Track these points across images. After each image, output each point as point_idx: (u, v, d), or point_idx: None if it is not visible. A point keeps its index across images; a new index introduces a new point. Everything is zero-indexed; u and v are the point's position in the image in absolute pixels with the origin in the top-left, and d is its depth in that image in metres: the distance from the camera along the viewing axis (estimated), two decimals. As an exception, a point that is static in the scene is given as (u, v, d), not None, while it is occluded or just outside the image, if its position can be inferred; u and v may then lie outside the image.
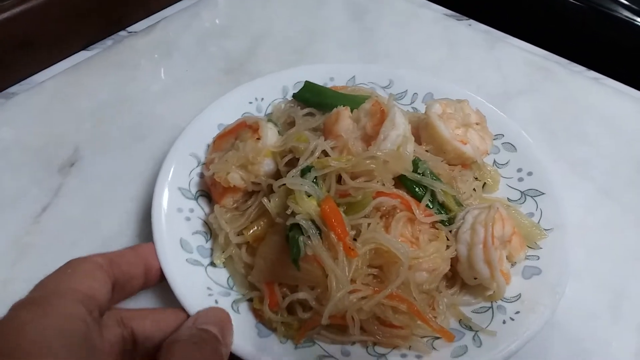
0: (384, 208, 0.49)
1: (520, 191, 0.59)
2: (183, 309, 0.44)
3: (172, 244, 0.51)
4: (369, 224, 0.48)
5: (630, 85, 0.77)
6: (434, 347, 0.47)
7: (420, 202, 0.50)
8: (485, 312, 0.50)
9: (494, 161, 0.63)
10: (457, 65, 0.79)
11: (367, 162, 0.48)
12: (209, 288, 0.49)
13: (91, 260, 0.37)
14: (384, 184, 0.49)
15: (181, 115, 0.65)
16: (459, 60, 0.81)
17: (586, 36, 0.88)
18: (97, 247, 0.54)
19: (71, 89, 0.72)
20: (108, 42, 0.79)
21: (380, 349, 0.47)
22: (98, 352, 0.31)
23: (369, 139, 0.51)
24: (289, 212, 0.47)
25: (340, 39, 0.83)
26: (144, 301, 0.50)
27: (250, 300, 0.49)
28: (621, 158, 0.68)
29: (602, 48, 0.86)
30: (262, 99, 0.67)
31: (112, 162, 0.64)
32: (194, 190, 0.58)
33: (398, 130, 0.50)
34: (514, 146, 0.63)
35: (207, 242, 0.54)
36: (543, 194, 0.58)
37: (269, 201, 0.50)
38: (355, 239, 0.47)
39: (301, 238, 0.46)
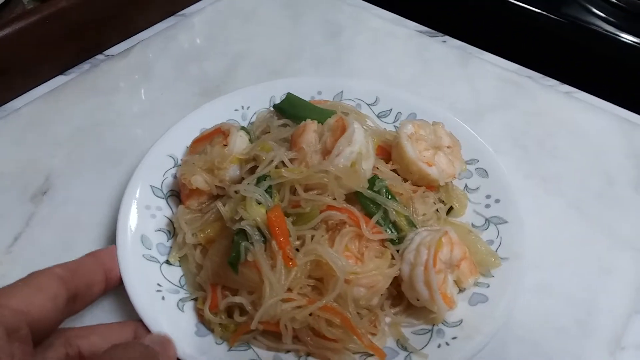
0: (331, 222, 0.50)
1: (485, 217, 0.59)
2: (128, 323, 0.46)
3: (133, 238, 0.54)
4: (312, 236, 0.49)
5: (606, 98, 0.77)
6: (365, 364, 0.47)
7: (371, 219, 0.51)
8: (424, 334, 0.50)
9: (466, 185, 0.63)
10: (430, 82, 0.80)
11: (319, 175, 0.49)
12: (159, 284, 0.51)
13: (51, 272, 0.39)
14: (335, 199, 0.50)
15: (157, 137, 0.63)
16: (432, 76, 0.81)
17: (563, 49, 0.87)
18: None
19: (47, 114, 0.72)
20: (85, 66, 0.79)
21: (311, 360, 0.48)
22: None
23: (327, 153, 0.52)
24: (237, 217, 0.49)
25: (316, 57, 0.84)
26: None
27: (195, 299, 0.51)
28: (592, 172, 0.68)
29: (578, 61, 0.86)
30: (249, 107, 0.70)
31: (85, 189, 0.63)
32: (165, 189, 0.60)
33: (353, 147, 0.51)
34: (486, 172, 0.62)
35: (168, 240, 0.56)
36: (506, 222, 0.58)
37: (224, 205, 0.52)
38: (298, 250, 0.48)
39: (243, 243, 0.47)
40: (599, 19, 0.84)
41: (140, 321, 0.46)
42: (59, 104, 0.74)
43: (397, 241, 0.51)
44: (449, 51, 0.85)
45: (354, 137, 0.51)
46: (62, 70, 0.78)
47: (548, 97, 0.78)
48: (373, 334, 0.50)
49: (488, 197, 0.61)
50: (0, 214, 0.61)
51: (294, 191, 0.51)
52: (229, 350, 0.47)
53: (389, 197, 0.52)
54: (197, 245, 0.54)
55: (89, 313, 0.50)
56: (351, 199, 0.52)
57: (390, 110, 0.71)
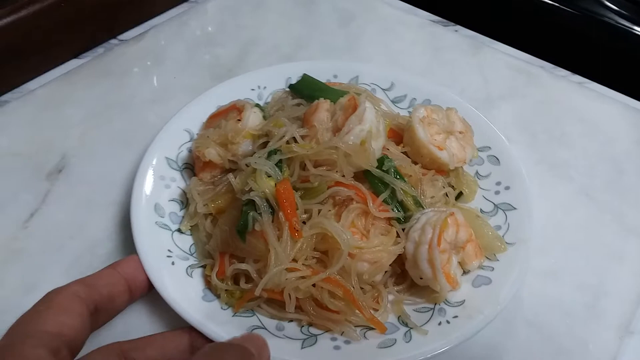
0: (339, 197, 0.51)
1: (494, 204, 0.59)
2: (182, 332, 0.45)
3: (147, 205, 0.55)
4: (319, 210, 0.50)
5: (618, 89, 0.77)
6: (365, 337, 0.48)
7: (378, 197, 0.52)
8: (426, 312, 0.50)
9: (477, 172, 0.63)
10: (441, 70, 0.80)
11: (329, 151, 0.50)
12: (169, 250, 0.53)
13: (68, 291, 0.39)
14: (343, 175, 0.51)
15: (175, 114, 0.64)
16: (443, 65, 0.81)
17: (574, 40, 0.87)
18: (84, 252, 0.56)
19: (62, 96, 0.73)
20: (99, 50, 0.80)
21: (313, 330, 0.49)
22: None
23: (338, 130, 0.53)
24: (247, 188, 0.50)
25: (328, 45, 0.85)
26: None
27: (204, 266, 0.52)
28: (601, 159, 0.68)
29: (590, 52, 0.85)
30: (265, 87, 0.71)
31: (100, 168, 0.64)
32: (180, 162, 0.62)
33: (364, 125, 0.51)
34: (498, 160, 0.63)
35: (180, 210, 0.58)
36: (515, 209, 0.58)
37: (235, 177, 0.53)
38: (305, 223, 0.49)
39: (252, 213, 0.48)
40: (611, 12, 0.84)
41: (194, 330, 0.45)
42: (73, 86, 0.75)
43: (403, 220, 0.52)
44: (461, 40, 0.86)
45: (364, 116, 0.52)
46: (76, 54, 0.79)
47: (559, 87, 0.78)
48: (375, 309, 0.51)
49: (498, 184, 0.61)
50: (17, 191, 0.62)
51: (303, 166, 0.52)
52: (233, 315, 0.49)
53: (397, 177, 0.53)
54: (208, 215, 0.55)
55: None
56: (360, 177, 0.53)
57: (405, 95, 0.71)
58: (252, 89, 0.70)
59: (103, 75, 0.76)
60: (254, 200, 0.49)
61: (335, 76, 0.72)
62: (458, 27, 0.88)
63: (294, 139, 0.53)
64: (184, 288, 0.50)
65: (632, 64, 0.83)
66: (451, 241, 0.50)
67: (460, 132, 0.62)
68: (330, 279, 0.47)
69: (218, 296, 0.50)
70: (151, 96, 0.75)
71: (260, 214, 0.49)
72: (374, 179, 0.53)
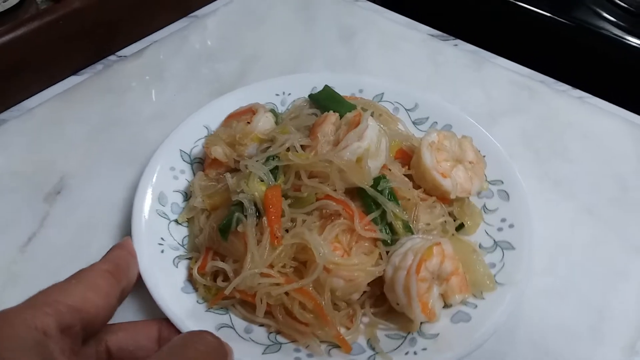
0: (326, 211, 0.51)
1: (495, 240, 0.57)
2: (152, 321, 0.44)
3: (151, 192, 0.58)
4: (304, 220, 0.50)
5: (618, 103, 0.77)
6: (329, 354, 0.48)
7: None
8: (397, 339, 0.50)
9: (484, 205, 0.61)
10: (443, 85, 0.80)
11: (322, 164, 0.51)
12: (162, 239, 0.55)
13: (99, 269, 0.39)
14: (335, 190, 0.51)
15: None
16: (445, 80, 0.81)
17: (574, 54, 0.88)
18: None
19: (61, 115, 0.72)
20: (98, 66, 0.79)
21: (280, 338, 0.49)
22: None
23: (337, 144, 0.53)
24: (238, 190, 0.51)
25: (329, 60, 0.84)
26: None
27: (190, 259, 0.54)
28: (604, 176, 0.67)
29: (590, 66, 0.86)
30: (289, 94, 0.72)
31: (99, 189, 0.63)
32: (193, 156, 0.64)
33: (362, 142, 0.51)
34: (508, 195, 0.60)
35: (183, 202, 0.60)
36: (514, 249, 0.56)
37: (232, 178, 0.54)
38: (288, 231, 0.50)
39: (237, 214, 0.50)
40: (608, 23, 0.84)
41: (164, 321, 0.45)
42: (72, 104, 0.74)
43: (390, 243, 0.51)
44: (461, 55, 0.85)
45: (365, 133, 0.52)
46: (75, 71, 0.78)
47: (561, 102, 0.77)
48: (348, 328, 0.50)
49: (503, 220, 0.59)
50: (15, 214, 0.60)
51: (299, 176, 0.53)
52: (206, 310, 0.50)
53: (391, 198, 0.52)
54: (204, 210, 0.57)
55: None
56: (354, 194, 0.53)
57: (427, 118, 0.70)
58: (277, 94, 0.72)
59: (102, 93, 0.76)
60: (242, 202, 0.50)
61: (360, 90, 0.73)
62: (458, 41, 0.87)
63: (295, 147, 0.54)
64: (166, 276, 0.51)
65: (630, 76, 0.83)
66: (434, 271, 0.49)
67: (470, 162, 0.60)
68: (302, 290, 0.48)
69: (196, 289, 0.51)
70: (151, 113, 0.74)
71: (246, 216, 0.50)
72: (367, 198, 0.52)
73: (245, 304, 0.50)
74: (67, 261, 0.56)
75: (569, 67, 0.82)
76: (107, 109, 0.74)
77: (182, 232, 0.58)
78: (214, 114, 0.67)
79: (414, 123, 0.70)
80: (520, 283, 0.52)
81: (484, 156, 0.64)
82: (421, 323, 0.50)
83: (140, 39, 0.85)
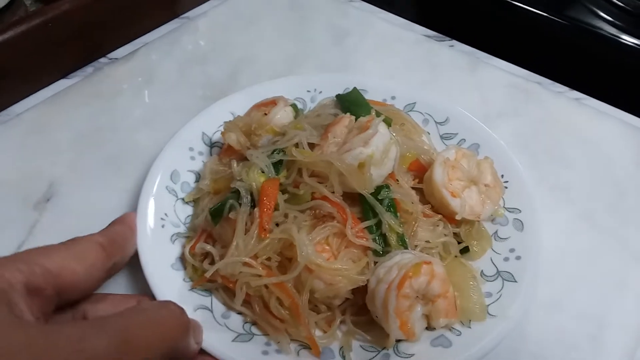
0: (319, 211, 0.50)
1: (498, 270, 0.55)
2: (132, 295, 0.47)
3: (165, 168, 0.60)
4: (295, 217, 0.50)
5: (614, 104, 0.76)
6: (298, 354, 0.48)
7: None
8: (370, 352, 0.49)
9: (496, 232, 0.58)
10: (438, 87, 0.78)
11: (322, 164, 0.50)
12: (166, 214, 0.57)
13: (92, 240, 0.40)
14: (333, 192, 0.51)
15: (162, 144, 0.61)
16: (441, 82, 0.79)
17: (570, 54, 0.86)
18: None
19: (49, 120, 0.70)
20: (88, 69, 0.78)
21: (254, 330, 0.49)
22: (15, 317, 0.32)
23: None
24: (238, 177, 0.52)
25: (322, 61, 0.83)
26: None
27: (187, 238, 0.56)
28: (602, 182, 0.66)
29: (587, 66, 0.84)
30: (321, 92, 0.72)
31: (89, 196, 0.62)
32: (214, 140, 0.66)
33: (367, 148, 0.50)
34: (523, 226, 0.57)
35: (194, 182, 0.62)
36: (515, 282, 0.53)
37: (237, 165, 0.55)
38: (278, 225, 0.50)
39: (231, 201, 0.50)
40: (605, 23, 0.82)
41: (145, 295, 0.47)
42: (61, 108, 0.72)
43: (381, 254, 0.50)
44: (457, 56, 0.83)
45: (371, 140, 0.51)
46: (64, 74, 0.76)
47: (558, 104, 0.76)
48: (325, 332, 0.50)
49: (512, 250, 0.56)
50: (3, 222, 0.59)
51: (302, 173, 0.53)
52: (189, 289, 0.51)
53: (390, 209, 0.51)
54: (210, 193, 0.58)
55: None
56: (356, 199, 0.52)
57: (456, 134, 0.68)
58: (308, 90, 0.72)
59: (92, 97, 0.74)
60: (239, 190, 0.51)
61: (393, 97, 0.71)
62: (454, 41, 0.85)
63: (302, 144, 0.54)
64: (160, 250, 0.53)
65: (627, 77, 0.81)
66: (419, 290, 0.48)
67: (486, 185, 0.57)
68: (281, 286, 0.48)
69: (185, 268, 0.53)
70: (142, 118, 0.73)
71: (240, 204, 0.50)
72: (366, 205, 0.51)
73: (227, 290, 0.51)
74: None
75: (566, 67, 0.81)
76: (97, 113, 0.72)
77: (187, 211, 0.59)
78: (242, 102, 0.68)
79: (441, 137, 0.68)
80: (512, 318, 0.49)
81: (506, 182, 0.61)
82: (399, 340, 0.49)
83: (131, 41, 0.83)
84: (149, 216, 0.55)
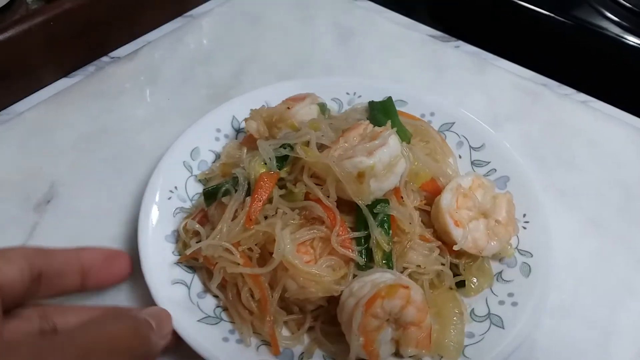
0: (309, 212, 0.50)
1: (489, 312, 0.51)
2: (102, 308, 0.46)
3: (186, 145, 0.62)
4: (285, 213, 0.50)
5: (621, 105, 0.75)
6: (257, 349, 0.48)
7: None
8: (330, 362, 0.48)
9: (500, 273, 0.55)
10: (445, 89, 0.77)
11: (320, 166, 0.50)
12: (175, 187, 0.59)
13: (19, 248, 0.40)
14: (329, 197, 0.50)
15: (164, 145, 0.61)
16: (447, 83, 0.78)
17: (575, 54, 0.85)
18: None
19: (51, 119, 0.69)
20: (90, 68, 0.76)
21: (223, 315, 0.50)
22: None
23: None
24: (242, 165, 0.53)
25: (327, 61, 0.81)
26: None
27: (189, 214, 0.57)
28: (610, 185, 0.66)
29: (593, 67, 0.83)
30: (360, 96, 0.71)
31: (90, 198, 0.61)
32: (243, 126, 0.67)
33: (369, 159, 0.49)
34: (530, 271, 0.53)
35: (211, 162, 0.63)
36: (502, 328, 0.49)
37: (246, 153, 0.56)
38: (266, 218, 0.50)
39: (227, 186, 0.51)
40: (612, 23, 0.81)
41: (112, 308, 0.47)
42: (63, 108, 0.71)
43: (363, 268, 0.49)
44: (463, 57, 0.82)
45: (377, 151, 0.49)
46: (66, 73, 0.75)
47: (565, 107, 0.75)
48: (292, 333, 0.50)
49: (510, 295, 0.52)
50: (3, 224, 0.58)
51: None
52: (175, 262, 0.53)
53: (383, 225, 0.50)
54: (219, 175, 0.59)
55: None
56: (352, 209, 0.51)
57: (488, 163, 0.64)
58: (347, 93, 0.71)
59: (95, 96, 0.73)
60: (237, 177, 0.51)
61: (432, 114, 0.69)
62: (459, 42, 0.84)
63: (311, 143, 0.53)
64: (159, 219, 0.55)
65: (633, 78, 0.80)
66: (391, 313, 0.46)
67: (497, 221, 0.54)
68: (255, 278, 0.48)
69: (177, 242, 0.54)
70: (145, 118, 0.71)
71: (235, 190, 0.51)
72: (360, 216, 0.50)
73: (209, 272, 0.52)
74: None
75: (572, 68, 0.81)
76: (99, 113, 0.71)
77: (198, 189, 0.61)
78: (277, 94, 0.68)
79: (472, 163, 0.65)
80: (488, 365, 0.46)
81: (527, 222, 0.57)
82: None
83: (134, 40, 0.82)
84: (156, 184, 0.57)
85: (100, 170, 0.65)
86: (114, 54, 0.80)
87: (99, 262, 0.46)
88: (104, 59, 0.79)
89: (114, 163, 0.65)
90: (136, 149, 0.67)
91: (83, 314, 0.40)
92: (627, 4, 0.83)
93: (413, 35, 0.87)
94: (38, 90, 0.73)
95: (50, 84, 0.74)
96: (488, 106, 0.75)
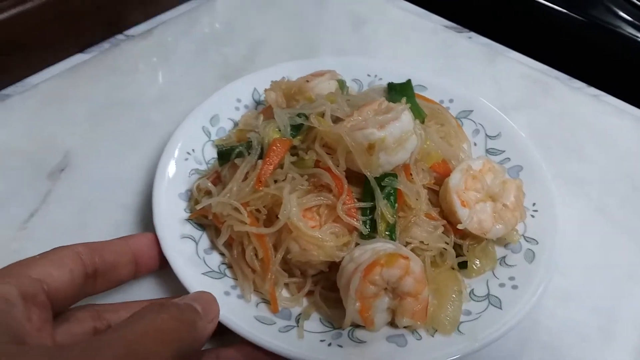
0: (317, 180, 0.51)
1: (488, 293, 0.52)
2: (155, 300, 0.46)
3: (207, 111, 0.64)
4: (294, 178, 0.51)
5: (633, 102, 0.76)
6: (256, 306, 0.49)
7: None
8: (325, 325, 0.49)
9: (504, 258, 0.55)
10: (455, 78, 0.76)
11: (333, 134, 0.51)
12: (193, 150, 0.60)
13: (70, 248, 0.39)
14: (338, 166, 0.51)
15: (176, 122, 0.61)
16: (457, 72, 0.79)
17: (588, 51, 0.86)
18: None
19: (65, 92, 0.70)
20: (105, 45, 0.78)
21: (228, 272, 0.52)
22: (14, 329, 0.32)
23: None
24: (257, 130, 0.54)
25: (338, 47, 0.82)
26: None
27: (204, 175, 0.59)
28: (617, 176, 0.67)
29: (604, 64, 0.84)
30: (381, 78, 0.72)
31: (102, 169, 0.62)
32: (263, 98, 0.68)
33: (380, 132, 0.50)
34: (533, 257, 0.54)
35: (229, 129, 0.65)
36: (500, 309, 0.50)
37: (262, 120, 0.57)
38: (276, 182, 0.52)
39: (241, 148, 0.53)
40: (624, 22, 0.83)
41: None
42: (77, 81, 0.72)
43: (367, 237, 0.50)
44: (475, 48, 0.83)
45: (389, 125, 0.50)
46: (81, 49, 0.76)
47: (575, 99, 0.76)
48: (292, 295, 0.51)
49: (511, 279, 0.53)
50: (17, 190, 0.59)
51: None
52: (186, 219, 0.54)
53: (389, 198, 0.50)
54: (235, 141, 0.61)
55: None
56: (361, 181, 0.52)
57: (503, 152, 0.64)
58: (368, 75, 0.72)
59: (109, 72, 0.74)
60: (251, 141, 0.53)
61: (451, 100, 0.69)
62: (472, 33, 0.85)
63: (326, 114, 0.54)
64: (176, 177, 0.57)
65: None
66: (389, 281, 0.47)
67: (504, 205, 0.54)
68: (260, 237, 0.49)
69: (189, 201, 0.56)
70: (157, 95, 0.73)
71: (249, 153, 0.52)
72: (368, 188, 0.51)
73: (217, 230, 0.54)
74: (68, 238, 0.47)
75: (583, 64, 0.82)
76: (112, 88, 0.72)
77: (214, 154, 0.62)
78: (300, 70, 0.70)
79: (487, 151, 0.65)
80: (479, 342, 0.46)
81: (535, 211, 0.57)
82: (358, 326, 0.48)
83: (149, 19, 0.83)
84: (175, 146, 0.59)
85: (113, 143, 0.66)
86: (129, 32, 0.81)
87: (147, 247, 0.48)
88: (119, 36, 0.80)
89: (127, 136, 0.67)
90: (148, 124, 0.68)
91: (135, 309, 0.38)
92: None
93: (426, 25, 0.88)
94: (53, 64, 0.74)
95: (65, 58, 0.75)
96: (498, 95, 0.76)
